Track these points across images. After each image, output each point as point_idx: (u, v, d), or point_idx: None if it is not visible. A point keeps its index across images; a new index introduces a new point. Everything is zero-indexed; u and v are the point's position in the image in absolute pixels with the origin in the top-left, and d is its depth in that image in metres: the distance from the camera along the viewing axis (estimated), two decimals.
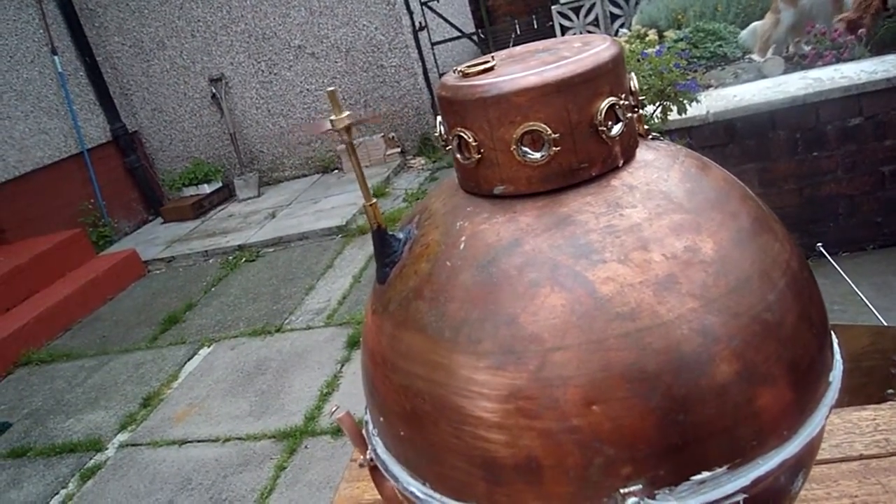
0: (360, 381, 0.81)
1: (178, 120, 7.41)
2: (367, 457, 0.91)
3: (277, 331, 4.22)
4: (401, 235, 0.76)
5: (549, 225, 0.65)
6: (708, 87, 4.16)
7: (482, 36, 7.52)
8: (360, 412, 2.99)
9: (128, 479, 3.15)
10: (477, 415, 0.63)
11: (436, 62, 7.38)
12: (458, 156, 0.71)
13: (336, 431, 3.10)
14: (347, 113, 0.70)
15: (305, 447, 3.09)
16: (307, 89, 7.04)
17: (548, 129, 0.63)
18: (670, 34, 5.18)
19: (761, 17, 4.64)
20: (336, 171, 7.21)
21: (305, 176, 7.35)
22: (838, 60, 3.83)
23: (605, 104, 0.65)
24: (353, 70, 6.90)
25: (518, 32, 7.11)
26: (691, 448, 0.61)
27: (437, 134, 0.75)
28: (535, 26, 7.09)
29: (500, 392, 0.62)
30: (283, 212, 6.29)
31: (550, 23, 6.85)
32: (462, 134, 0.67)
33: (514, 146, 0.64)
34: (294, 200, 6.57)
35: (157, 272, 5.82)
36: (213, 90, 7.13)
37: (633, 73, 0.70)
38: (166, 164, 7.60)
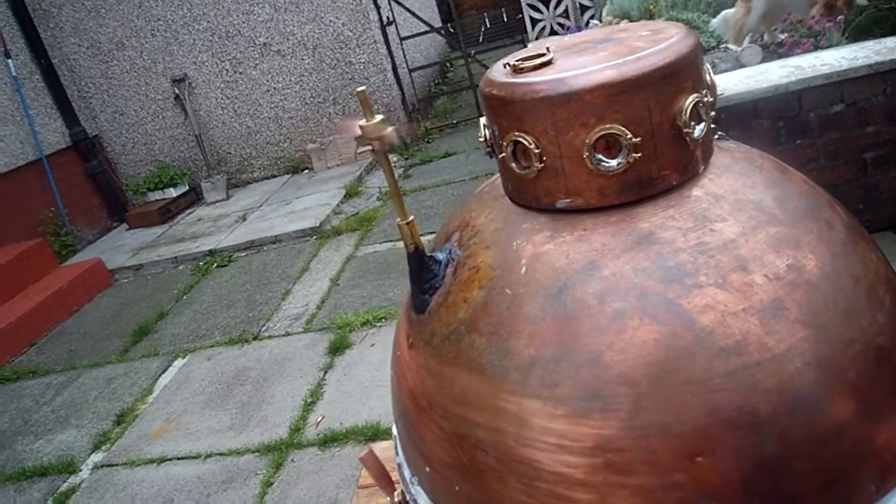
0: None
1: (141, 122, 7.17)
2: (396, 500, 0.81)
3: (255, 338, 4.07)
4: (440, 257, 0.66)
5: (630, 244, 0.55)
6: None
7: (451, 30, 7.42)
8: (347, 422, 2.84)
9: (104, 503, 2.99)
10: (556, 470, 0.54)
11: (405, 57, 7.26)
12: (514, 164, 0.61)
13: (323, 443, 2.99)
14: (381, 118, 0.60)
15: (292, 461, 2.97)
16: (274, 88, 6.86)
17: (626, 132, 0.54)
18: None
19: (732, 5, 4.61)
20: (306, 170, 7.04)
21: (275, 176, 7.18)
22: (816, 48, 3.81)
23: (689, 102, 0.56)
24: (320, 67, 6.74)
25: (488, 25, 7.02)
26: (810, 500, 0.53)
27: (480, 139, 0.65)
28: (505, 19, 7.01)
29: (584, 444, 0.53)
30: (254, 214, 6.12)
31: (520, 15, 6.78)
32: (521, 139, 0.58)
33: (587, 153, 0.55)
34: (265, 202, 6.40)
35: (125, 281, 5.61)
36: (177, 91, 6.91)
37: (709, 65, 0.61)
38: (129, 169, 7.35)
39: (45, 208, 6.28)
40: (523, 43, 6.94)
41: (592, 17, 6.64)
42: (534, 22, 6.64)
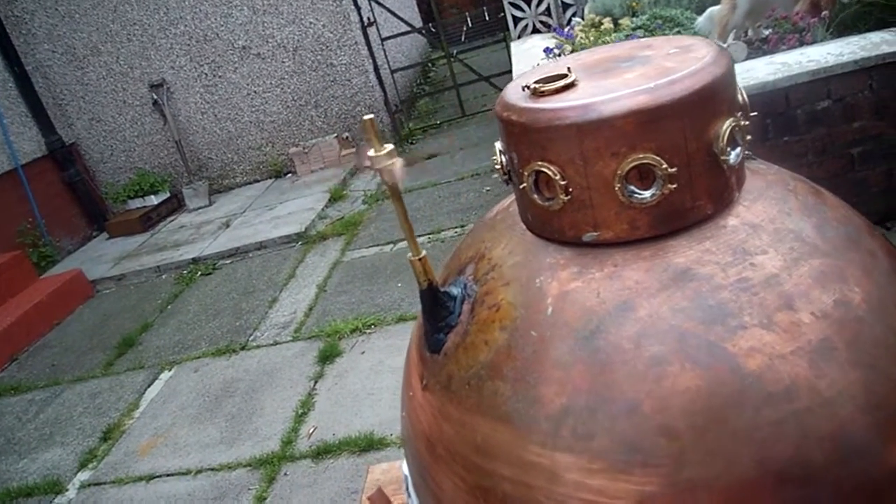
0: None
1: (119, 129, 7.05)
2: None
3: (242, 348, 4.01)
4: (455, 292, 0.62)
5: (665, 282, 0.51)
6: None
7: (433, 29, 7.36)
8: (340, 432, 2.77)
9: None
10: None
11: (386, 58, 7.20)
12: (536, 196, 0.56)
13: (317, 455, 2.93)
14: (390, 147, 0.56)
15: (285, 474, 2.91)
16: (255, 91, 6.78)
17: (662, 161, 0.50)
18: (626, 22, 5.11)
19: (716, 2, 4.61)
20: (289, 174, 6.97)
21: (257, 181, 7.09)
22: (801, 44, 3.81)
23: (726, 126, 0.52)
24: (301, 70, 6.67)
25: (469, 24, 6.97)
26: None
27: (496, 165, 0.61)
28: (487, 18, 6.96)
29: (623, 501, 0.49)
30: (238, 220, 6.04)
31: (502, 13, 6.73)
32: (544, 169, 0.53)
33: (618, 184, 0.51)
34: (248, 208, 6.32)
35: (107, 292, 5.51)
36: (155, 96, 6.81)
37: (741, 84, 0.57)
38: (108, 177, 7.23)
39: (23, 219, 6.17)
40: (506, 41, 6.91)
41: (574, 14, 6.61)
42: (516, 20, 6.60)
